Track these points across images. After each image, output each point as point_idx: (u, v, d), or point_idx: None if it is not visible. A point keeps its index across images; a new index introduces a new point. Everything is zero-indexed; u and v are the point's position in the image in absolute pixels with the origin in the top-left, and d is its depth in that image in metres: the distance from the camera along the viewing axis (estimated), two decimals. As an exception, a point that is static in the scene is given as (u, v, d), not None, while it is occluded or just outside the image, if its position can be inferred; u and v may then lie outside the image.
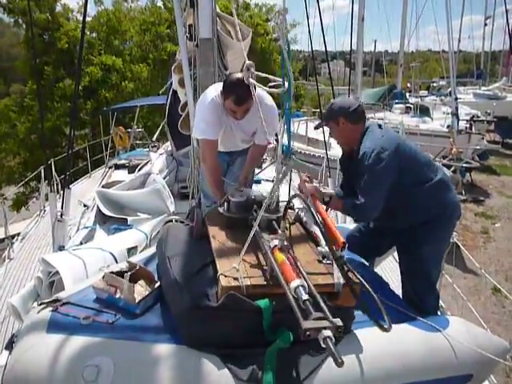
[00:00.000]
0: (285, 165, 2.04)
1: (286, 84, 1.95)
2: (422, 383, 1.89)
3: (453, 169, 9.80)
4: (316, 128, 2.83)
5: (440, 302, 3.43)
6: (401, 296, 2.47)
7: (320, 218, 2.00)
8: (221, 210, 2.29)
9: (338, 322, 1.32)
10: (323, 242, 1.95)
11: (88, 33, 14.61)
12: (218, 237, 2.11)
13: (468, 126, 11.93)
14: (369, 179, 2.28)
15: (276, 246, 1.79)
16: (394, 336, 1.75)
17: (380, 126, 2.45)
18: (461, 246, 4.28)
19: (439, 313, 2.75)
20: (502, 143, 17.77)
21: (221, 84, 2.77)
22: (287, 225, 2.19)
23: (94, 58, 14.23)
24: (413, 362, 1.84)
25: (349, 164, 2.56)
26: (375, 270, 2.90)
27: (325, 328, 1.28)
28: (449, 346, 1.95)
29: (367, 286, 1.73)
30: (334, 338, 1.26)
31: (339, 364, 1.21)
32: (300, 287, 1.49)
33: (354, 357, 1.77)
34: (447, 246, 2.62)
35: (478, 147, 11.79)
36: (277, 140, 2.40)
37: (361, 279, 1.76)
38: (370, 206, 2.30)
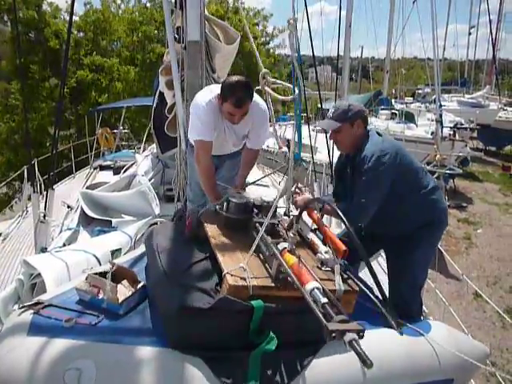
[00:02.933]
0: (295, 170, 2.15)
1: (297, 91, 1.97)
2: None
3: (436, 175, 9.91)
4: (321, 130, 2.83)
5: (422, 307, 3.48)
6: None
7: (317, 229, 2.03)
8: (220, 210, 2.27)
9: (360, 325, 1.33)
10: (322, 249, 1.96)
11: (75, 32, 14.46)
12: (217, 237, 2.10)
13: (452, 133, 12.11)
14: (367, 181, 2.27)
15: (285, 248, 1.79)
16: (375, 340, 1.77)
17: (379, 134, 2.46)
18: (443, 252, 4.34)
19: (422, 318, 2.78)
20: (484, 150, 18.08)
21: (215, 86, 2.80)
22: (283, 231, 2.22)
23: (83, 58, 14.10)
24: (394, 366, 1.86)
25: (345, 171, 2.55)
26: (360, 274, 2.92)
27: (348, 331, 1.28)
28: (430, 350, 1.97)
29: (368, 292, 1.76)
30: (358, 341, 1.27)
31: (368, 366, 1.21)
32: (316, 289, 1.50)
33: (335, 361, 1.79)
34: (435, 248, 2.66)
35: (461, 154, 11.98)
36: (288, 146, 2.43)
37: (361, 286, 1.78)
38: (365, 207, 2.28)
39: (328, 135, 2.60)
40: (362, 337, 1.30)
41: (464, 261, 8.05)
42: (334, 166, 2.78)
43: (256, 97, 2.65)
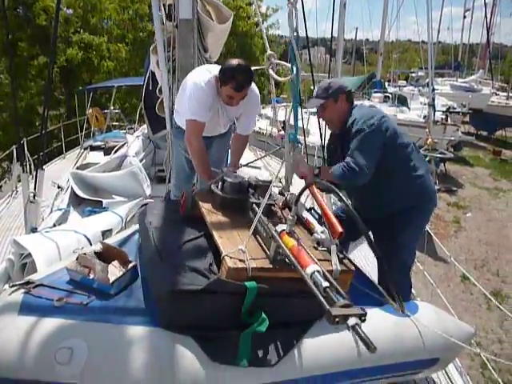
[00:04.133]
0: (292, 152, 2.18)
1: (295, 71, 1.97)
2: (389, 366, 1.95)
3: (428, 159, 9.97)
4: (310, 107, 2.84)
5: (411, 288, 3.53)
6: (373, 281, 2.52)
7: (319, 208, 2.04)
8: (215, 189, 2.26)
9: (362, 309, 1.34)
10: (318, 229, 1.97)
11: (64, 9, 14.12)
12: (212, 217, 2.09)
13: (444, 117, 12.15)
14: (358, 141, 2.29)
15: (284, 230, 1.78)
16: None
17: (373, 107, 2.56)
18: (432, 235, 4.39)
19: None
20: (475, 135, 18.17)
21: (211, 67, 2.77)
22: (278, 210, 2.22)
23: (72, 35, 13.80)
24: (381, 345, 1.89)
25: (335, 150, 2.58)
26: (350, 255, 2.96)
27: (351, 315, 1.29)
28: (417, 330, 2.01)
29: (364, 272, 1.77)
30: (360, 325, 1.28)
31: (372, 350, 1.22)
32: (316, 273, 1.51)
33: (324, 339, 1.82)
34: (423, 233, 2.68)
35: (452, 138, 12.03)
36: (283, 127, 2.44)
37: (357, 266, 1.80)
38: (361, 165, 2.26)
39: (317, 115, 2.65)
40: (364, 321, 1.31)
41: (453, 244, 8.17)
42: (327, 146, 2.79)
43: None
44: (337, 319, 1.28)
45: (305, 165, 2.46)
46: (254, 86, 2.72)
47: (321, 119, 2.68)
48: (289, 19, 2.02)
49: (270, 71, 2.24)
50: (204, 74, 2.64)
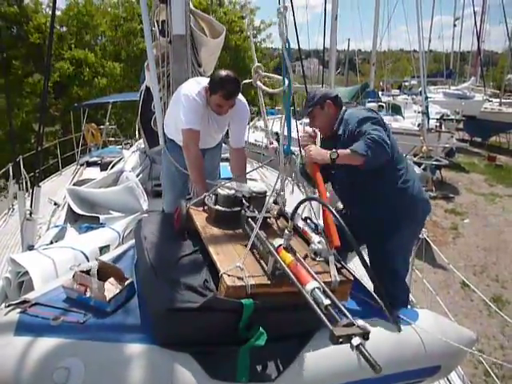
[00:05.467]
0: (288, 164, 2.19)
1: (287, 82, 1.98)
2: (391, 376, 1.93)
3: (423, 166, 10.03)
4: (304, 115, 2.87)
5: (410, 296, 3.51)
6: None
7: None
8: (209, 203, 2.25)
9: (366, 327, 1.32)
10: (314, 239, 1.95)
11: (58, 27, 14.23)
12: (207, 231, 2.08)
13: (438, 124, 12.22)
14: (368, 125, 2.26)
15: (281, 245, 1.77)
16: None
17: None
18: (430, 242, 4.39)
19: (409, 307, 2.81)
20: (470, 141, 18.28)
21: (200, 78, 2.92)
22: (273, 219, 2.22)
23: (64, 52, 13.88)
24: (381, 355, 1.87)
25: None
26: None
27: (354, 335, 1.27)
28: (417, 338, 2.00)
29: (362, 283, 1.76)
30: (364, 344, 1.26)
31: (377, 371, 1.20)
32: (316, 289, 1.49)
33: (324, 352, 1.80)
34: (415, 243, 2.67)
35: (447, 145, 12.10)
36: (277, 140, 2.45)
37: (355, 276, 1.79)
38: (383, 138, 2.20)
39: (309, 125, 2.67)
40: (367, 339, 1.29)
41: (451, 251, 8.16)
42: None
43: None
44: (340, 340, 1.26)
45: (319, 150, 2.38)
46: (241, 96, 2.85)
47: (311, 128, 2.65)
48: (279, 28, 2.05)
49: (259, 83, 2.27)
50: (194, 86, 2.78)
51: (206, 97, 2.75)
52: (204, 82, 2.79)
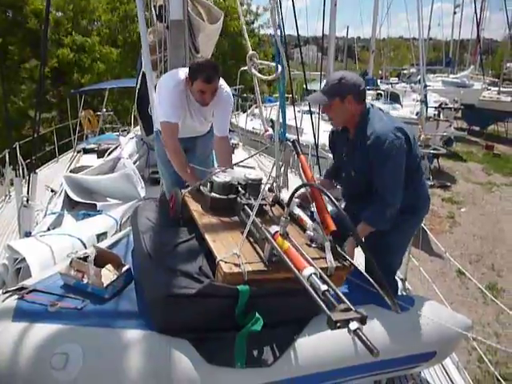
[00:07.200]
0: (283, 151, 2.17)
1: (280, 69, 1.97)
2: (387, 362, 1.95)
3: (421, 155, 10.00)
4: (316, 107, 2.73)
5: (407, 284, 3.54)
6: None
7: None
8: (204, 190, 2.24)
9: (362, 312, 1.32)
10: (310, 226, 1.96)
11: (54, 12, 14.04)
12: (203, 218, 2.08)
13: (436, 113, 12.18)
14: (390, 170, 2.14)
15: (277, 232, 1.76)
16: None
17: (381, 110, 2.35)
18: (427, 231, 4.40)
19: (405, 293, 2.83)
20: (468, 130, 18.24)
21: (181, 70, 2.84)
22: (268, 207, 2.21)
23: (64, 37, 13.72)
24: (378, 341, 1.89)
25: (341, 142, 2.44)
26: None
27: (352, 319, 1.27)
28: (413, 323, 2.02)
29: (358, 268, 1.77)
30: (362, 329, 1.26)
31: (375, 354, 1.20)
32: (313, 275, 1.49)
33: (320, 337, 1.82)
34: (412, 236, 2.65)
35: (445, 134, 12.08)
36: (272, 127, 2.42)
37: (352, 262, 1.80)
38: (396, 201, 2.17)
39: (320, 109, 2.47)
40: (364, 323, 1.29)
41: (448, 239, 8.19)
42: (329, 139, 2.61)
43: (221, 81, 2.76)
44: (338, 324, 1.27)
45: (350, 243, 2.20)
46: (224, 85, 2.82)
47: (323, 113, 2.47)
48: (271, 15, 2.02)
49: (253, 71, 2.24)
50: (173, 77, 2.76)
51: (186, 87, 2.69)
52: (184, 73, 2.71)
